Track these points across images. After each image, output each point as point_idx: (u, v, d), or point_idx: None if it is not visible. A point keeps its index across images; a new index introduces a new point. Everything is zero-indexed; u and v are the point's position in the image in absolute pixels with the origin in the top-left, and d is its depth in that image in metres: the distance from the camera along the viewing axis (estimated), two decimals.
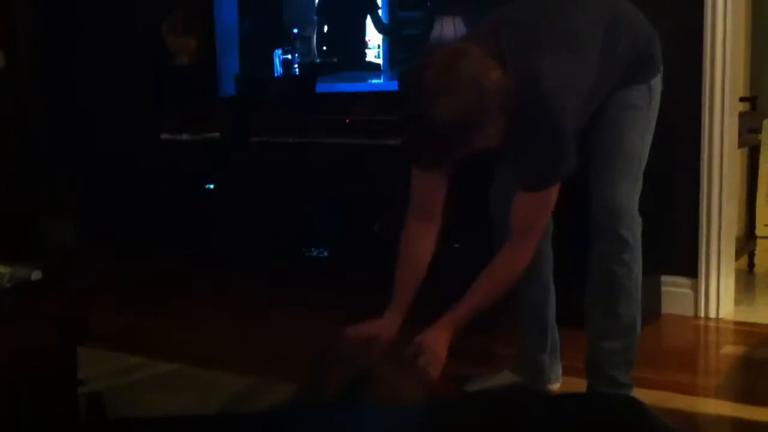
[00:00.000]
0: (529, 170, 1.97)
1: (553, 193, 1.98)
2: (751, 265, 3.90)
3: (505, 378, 2.44)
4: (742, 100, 3.71)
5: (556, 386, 2.44)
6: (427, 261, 2.10)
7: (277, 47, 3.61)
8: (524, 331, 2.40)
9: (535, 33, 1.97)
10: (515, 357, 2.45)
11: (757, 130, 3.94)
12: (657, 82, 2.18)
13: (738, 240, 3.60)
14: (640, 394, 2.24)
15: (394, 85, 3.29)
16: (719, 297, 3.17)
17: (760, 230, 4.16)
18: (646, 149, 2.16)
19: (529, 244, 2.01)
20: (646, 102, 2.14)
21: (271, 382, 2.47)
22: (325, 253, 3.34)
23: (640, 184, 2.16)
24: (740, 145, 3.47)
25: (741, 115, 3.41)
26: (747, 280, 3.77)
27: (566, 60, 1.93)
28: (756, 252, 3.94)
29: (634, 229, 2.14)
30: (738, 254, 3.52)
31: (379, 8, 3.40)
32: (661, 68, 2.20)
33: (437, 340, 1.93)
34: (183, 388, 2.56)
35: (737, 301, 3.30)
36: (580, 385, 2.30)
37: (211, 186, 3.60)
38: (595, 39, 2.01)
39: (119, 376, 2.63)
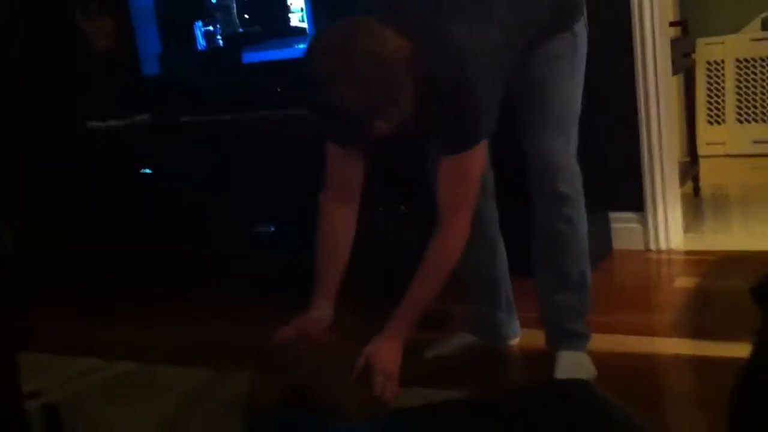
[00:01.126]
0: (447, 133, 1.88)
1: (477, 157, 1.90)
2: (696, 188, 3.93)
3: (461, 339, 2.43)
4: (672, 24, 3.70)
5: (514, 342, 2.43)
6: (350, 244, 2.02)
7: (197, 20, 3.48)
8: (476, 292, 2.38)
9: None
10: (470, 317, 2.43)
11: (689, 54, 3.92)
12: (581, 27, 2.10)
13: (682, 165, 3.62)
14: (597, 339, 2.26)
15: None
16: (667, 228, 3.19)
17: (702, 149, 4.20)
18: (576, 99, 2.10)
19: (461, 221, 1.91)
20: (571, 50, 2.07)
21: (226, 374, 2.43)
22: (272, 228, 3.28)
23: (575, 135, 2.11)
24: (675, 71, 3.47)
25: (673, 41, 3.40)
26: (694, 205, 3.81)
27: (471, 17, 1.85)
28: (700, 174, 3.97)
29: (573, 182, 2.10)
30: (683, 179, 3.54)
31: None
32: (584, 11, 2.13)
33: (387, 357, 1.85)
34: (139, 389, 2.51)
35: (686, 229, 3.33)
36: (538, 337, 2.30)
37: (148, 171, 3.49)
38: None
39: (73, 383, 2.57)
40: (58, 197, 3.84)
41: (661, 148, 3.17)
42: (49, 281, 3.53)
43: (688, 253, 3.13)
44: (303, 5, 3.28)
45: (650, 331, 2.44)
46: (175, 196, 3.43)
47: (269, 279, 3.18)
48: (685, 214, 3.39)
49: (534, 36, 2.01)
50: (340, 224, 2.03)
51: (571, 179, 2.09)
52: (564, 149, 2.08)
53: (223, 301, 3.15)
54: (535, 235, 2.17)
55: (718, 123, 4.74)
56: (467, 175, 1.91)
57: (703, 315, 2.54)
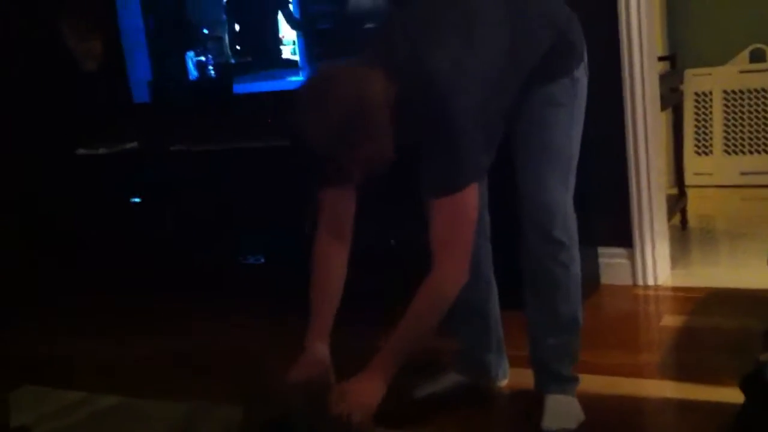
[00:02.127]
0: (435, 175, 1.88)
1: (468, 199, 1.88)
2: (684, 221, 3.95)
3: (451, 380, 2.42)
4: (661, 59, 3.73)
5: (503, 383, 2.43)
6: (342, 281, 2.03)
7: (189, 49, 3.49)
8: (466, 332, 2.38)
9: (421, 32, 1.90)
10: (459, 357, 2.43)
11: (677, 89, 3.96)
12: (581, 73, 2.10)
13: (669, 197, 3.64)
14: (585, 381, 2.26)
15: None
16: (655, 264, 3.20)
17: (689, 179, 4.23)
18: (574, 147, 2.10)
19: (456, 264, 1.89)
20: (571, 97, 2.07)
21: (213, 405, 2.43)
22: (261, 260, 3.28)
23: (572, 181, 2.11)
24: (663, 107, 3.49)
25: (661, 77, 3.42)
26: (682, 238, 3.82)
27: (462, 56, 1.85)
28: (687, 207, 3.99)
29: (569, 228, 2.10)
30: (671, 212, 3.56)
31: (289, 3, 3.30)
32: (585, 57, 2.12)
33: (364, 396, 1.85)
34: (126, 422, 2.50)
35: (674, 264, 3.34)
36: (527, 377, 2.30)
37: (137, 200, 3.49)
38: (494, 28, 1.93)
39: (60, 417, 2.55)
40: (45, 221, 3.83)
41: (649, 184, 3.18)
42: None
43: (675, 289, 3.15)
44: (295, 38, 3.29)
45: (637, 373, 2.45)
46: (162, 225, 3.42)
47: (257, 310, 3.19)
48: (673, 249, 3.40)
49: (531, 78, 2.01)
50: (333, 261, 2.04)
51: (567, 225, 2.10)
52: (561, 196, 2.08)
53: (208, 330, 3.14)
54: (528, 278, 2.17)
55: (706, 154, 4.77)
56: (458, 216, 1.90)
57: (690, 356, 2.54)
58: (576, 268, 2.16)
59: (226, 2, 3.43)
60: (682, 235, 3.87)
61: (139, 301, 3.43)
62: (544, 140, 2.07)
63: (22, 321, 3.38)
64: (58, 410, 2.58)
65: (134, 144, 3.60)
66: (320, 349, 1.96)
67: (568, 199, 2.11)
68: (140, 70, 3.63)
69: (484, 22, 1.93)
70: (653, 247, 3.19)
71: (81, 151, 3.60)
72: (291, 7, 3.31)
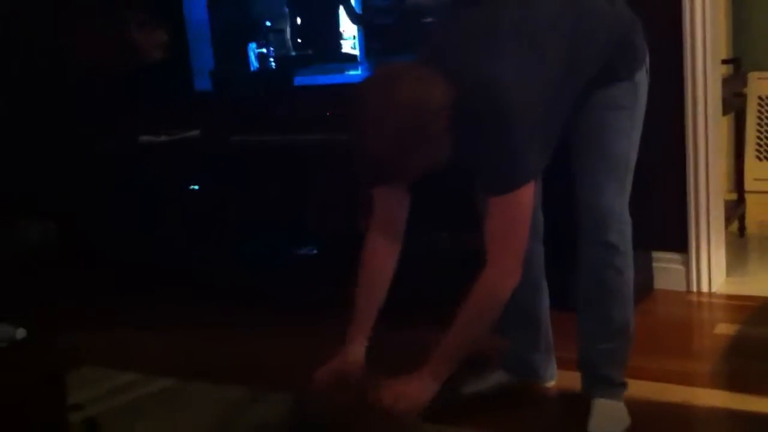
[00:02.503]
0: (491, 174, 1.89)
1: (524, 199, 1.88)
2: (742, 228, 3.89)
3: (499, 378, 2.43)
4: (724, 62, 3.67)
5: (550, 384, 2.43)
6: (389, 282, 2.05)
7: (251, 41, 3.54)
8: (516, 332, 2.38)
9: (482, 33, 1.90)
10: (508, 356, 2.44)
11: (741, 93, 3.89)
12: (642, 77, 2.09)
13: (728, 204, 3.59)
14: (633, 386, 2.25)
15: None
16: (710, 270, 3.17)
17: (749, 185, 4.15)
18: (633, 151, 2.09)
19: (508, 262, 1.90)
20: (631, 100, 2.06)
21: (268, 393, 2.48)
22: (315, 251, 3.32)
23: (628, 186, 2.10)
24: (725, 111, 3.44)
25: (724, 80, 3.37)
26: (739, 246, 3.77)
27: (520, 56, 1.86)
28: (746, 213, 3.92)
29: (624, 233, 2.10)
30: (729, 218, 3.51)
31: None
32: (647, 60, 2.11)
33: (414, 392, 1.87)
34: (179, 405, 2.57)
35: (730, 271, 3.30)
36: (575, 380, 2.30)
37: (196, 187, 3.56)
38: (555, 33, 1.92)
39: (115, 397, 2.63)
40: (105, 206, 3.92)
41: (708, 190, 3.14)
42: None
43: (730, 297, 3.11)
44: (355, 33, 3.32)
45: (687, 380, 2.42)
46: (221, 214, 3.49)
47: (310, 301, 3.23)
48: (729, 255, 3.35)
49: (590, 80, 2.00)
50: (382, 262, 2.06)
51: (623, 230, 2.09)
52: (618, 200, 2.07)
53: (263, 320, 3.19)
54: (581, 282, 2.17)
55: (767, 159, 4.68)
56: (513, 216, 1.90)
57: (742, 365, 2.52)
58: (630, 273, 2.15)
59: None
60: (739, 241, 3.81)
61: (191, 290, 3.49)
62: (602, 144, 2.06)
63: (76, 311, 3.46)
64: (111, 390, 2.66)
65: (195, 132, 3.66)
66: (357, 350, 2.00)
67: (624, 203, 2.10)
68: (203, 60, 3.69)
69: (546, 26, 1.93)
70: (709, 253, 3.16)
71: (144, 137, 3.68)
72: (352, 1, 3.34)
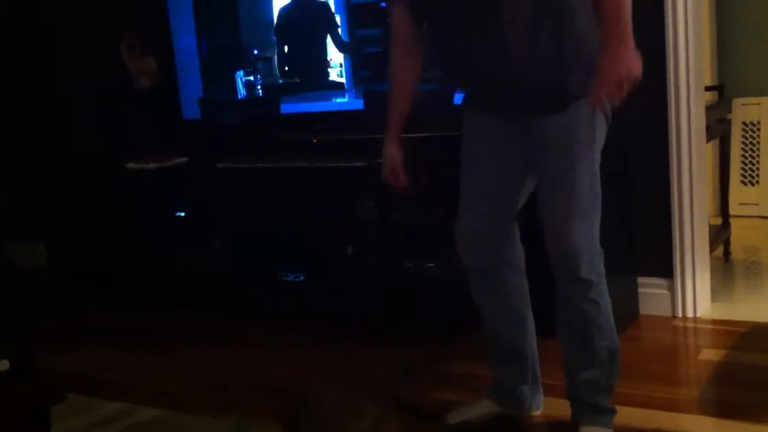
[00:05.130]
0: None
1: None
2: (727, 253, 3.91)
3: (485, 407, 2.43)
4: (708, 89, 3.71)
5: (537, 413, 2.43)
6: (413, 93, 2.27)
7: (239, 69, 3.56)
8: (502, 363, 2.38)
9: None
10: (494, 386, 2.44)
11: (725, 119, 3.92)
12: (583, 107, 2.03)
13: (713, 228, 3.61)
14: (620, 411, 2.26)
15: (359, 104, 3.26)
16: (696, 296, 3.18)
17: (734, 209, 4.19)
18: (594, 182, 2.08)
19: None
20: (583, 132, 2.04)
21: (254, 421, 2.48)
22: (301, 278, 3.32)
23: (595, 217, 2.10)
24: (709, 137, 3.46)
25: (708, 107, 3.40)
26: (724, 270, 3.79)
27: None
28: (731, 238, 3.95)
29: (595, 265, 2.11)
30: (714, 243, 3.53)
31: (338, 27, 3.35)
32: (586, 92, 2.02)
33: (632, 61, 1.92)
34: None
35: (715, 296, 3.31)
36: (562, 407, 2.30)
37: (182, 214, 3.56)
38: None
39: (98, 429, 2.61)
40: (94, 228, 3.93)
41: (692, 215, 3.17)
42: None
43: (715, 322, 3.12)
44: (342, 61, 3.34)
45: (674, 407, 2.43)
46: (207, 241, 3.49)
47: (298, 327, 3.23)
48: (715, 280, 3.37)
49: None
50: (406, 76, 2.27)
51: (593, 262, 2.10)
52: (584, 235, 2.07)
53: (249, 344, 3.18)
54: (560, 314, 2.19)
55: (752, 184, 4.72)
56: None
57: (728, 392, 2.52)
58: (605, 301, 2.16)
59: (277, 25, 3.50)
60: (724, 266, 3.83)
61: (179, 316, 3.48)
62: (560, 182, 2.08)
63: (64, 335, 3.45)
64: (99, 421, 2.65)
65: (183, 159, 3.67)
66: (393, 149, 2.28)
67: (592, 236, 2.10)
68: (191, 88, 3.71)
69: None
70: (694, 279, 3.17)
71: (131, 165, 3.69)
72: (339, 30, 3.37)
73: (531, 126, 2.08)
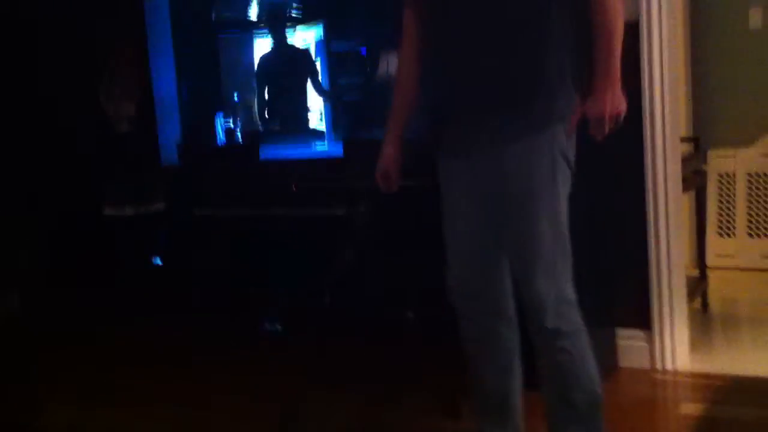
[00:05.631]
0: None
1: None
2: (705, 304, 3.91)
3: None
4: (684, 140, 3.74)
5: None
6: (415, 97, 2.27)
7: (218, 115, 3.56)
8: (486, 414, 2.32)
9: None
10: None
11: (701, 171, 3.96)
12: (560, 130, 2.04)
13: (690, 279, 3.61)
14: None
15: (339, 150, 3.26)
16: (674, 347, 3.16)
17: (711, 261, 4.19)
18: (558, 229, 2.05)
19: None
20: (549, 164, 2.02)
21: None
22: (278, 327, 3.28)
23: (563, 267, 2.06)
24: (685, 188, 3.48)
25: (684, 159, 3.43)
26: (703, 321, 3.78)
27: None
28: (708, 289, 3.95)
29: (565, 315, 2.06)
30: (691, 294, 3.53)
31: (318, 74, 3.37)
32: (556, 116, 2.04)
33: (615, 99, 1.97)
34: None
35: (694, 348, 3.29)
36: None
37: (159, 261, 3.52)
38: None
39: None
40: (67, 273, 3.88)
41: (669, 266, 3.16)
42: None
43: (694, 375, 3.10)
44: (322, 108, 3.35)
45: None
46: (183, 288, 3.45)
47: (274, 378, 3.17)
48: (693, 332, 3.36)
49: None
50: (411, 77, 2.27)
51: (561, 313, 2.06)
52: (547, 283, 2.04)
53: (225, 395, 3.13)
54: (538, 366, 2.16)
55: (729, 236, 4.75)
56: None
57: None
58: (580, 351, 2.10)
59: (257, 71, 3.51)
60: (703, 318, 3.83)
61: (154, 366, 3.41)
62: (521, 232, 2.05)
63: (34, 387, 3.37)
64: None
65: (160, 205, 3.64)
66: (391, 150, 2.27)
67: (560, 283, 2.06)
68: (170, 133, 3.70)
69: None
70: (672, 330, 3.16)
71: (108, 211, 3.65)
72: (320, 77, 3.38)
73: (495, 162, 2.05)
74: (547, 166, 2.03)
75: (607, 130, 2.00)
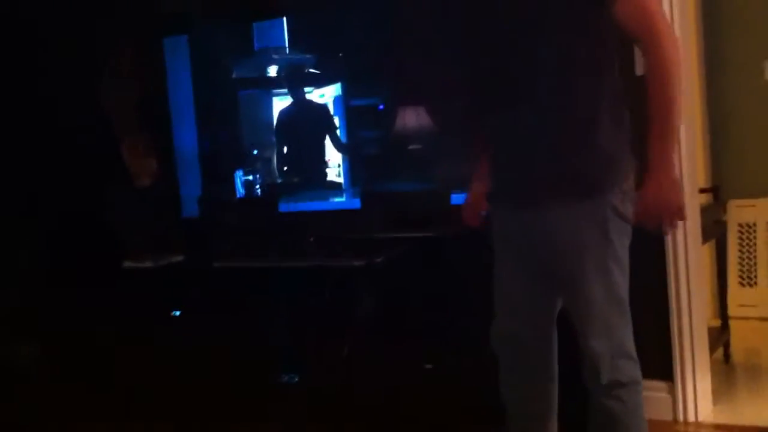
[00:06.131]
0: None
1: None
2: (727, 355, 3.87)
3: None
4: (702, 191, 3.74)
5: None
6: None
7: (238, 168, 3.61)
8: None
9: None
10: None
11: (720, 221, 3.95)
12: (600, 210, 1.99)
13: (712, 330, 3.58)
14: None
15: (356, 203, 3.28)
16: (697, 399, 3.13)
17: (733, 311, 4.15)
18: (615, 286, 2.04)
19: (664, 33, 1.92)
20: (594, 236, 1.99)
21: None
22: (295, 379, 3.28)
23: (619, 323, 2.05)
24: (705, 239, 3.47)
25: (703, 209, 3.43)
26: (725, 372, 3.73)
27: None
28: (731, 340, 3.91)
29: (623, 368, 2.04)
30: (713, 345, 3.49)
31: (337, 128, 3.42)
32: (609, 198, 2.00)
33: (670, 190, 1.92)
34: None
35: (716, 399, 3.25)
36: None
37: (177, 313, 3.54)
38: None
39: None
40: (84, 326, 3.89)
41: (690, 318, 3.14)
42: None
43: (717, 427, 3.06)
44: (341, 161, 3.38)
45: None
46: (202, 340, 3.46)
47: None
48: (716, 383, 3.32)
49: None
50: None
51: (618, 366, 2.03)
52: (603, 344, 2.02)
53: None
54: (589, 415, 2.12)
55: (750, 285, 4.71)
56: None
57: None
58: (634, 405, 2.07)
59: (277, 125, 3.57)
60: (725, 368, 3.78)
61: (170, 417, 3.41)
62: (576, 289, 2.04)
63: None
64: None
65: (179, 257, 3.67)
66: (477, 186, 2.33)
67: (616, 342, 2.04)
68: (191, 186, 3.75)
69: None
70: (695, 382, 3.12)
71: (128, 263, 3.69)
72: (338, 131, 3.43)
73: (544, 222, 2.02)
74: (598, 227, 2.00)
75: (662, 223, 1.98)
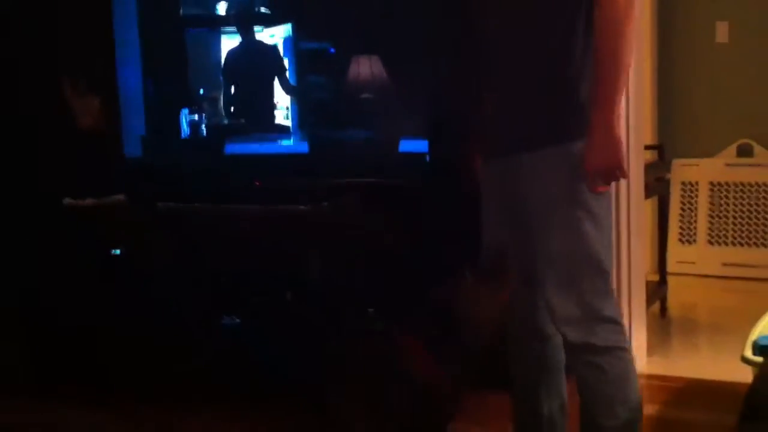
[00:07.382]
0: None
1: None
2: (663, 309, 3.96)
3: None
4: (648, 148, 3.79)
5: None
6: None
7: (184, 108, 3.53)
8: None
9: None
10: None
11: (663, 178, 4.01)
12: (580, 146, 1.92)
13: (650, 284, 3.65)
14: None
15: (304, 147, 3.25)
16: (632, 350, 3.18)
17: (672, 267, 4.24)
18: (584, 241, 1.93)
19: None
20: (566, 176, 1.92)
21: None
22: (237, 321, 3.26)
23: (593, 282, 1.96)
24: (648, 195, 3.53)
25: (648, 165, 3.47)
26: (661, 326, 3.83)
27: None
28: (668, 295, 4.00)
29: (599, 332, 1.95)
30: (651, 299, 3.57)
31: (286, 70, 3.36)
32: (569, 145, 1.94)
33: (609, 146, 1.86)
34: None
35: (651, 351, 3.34)
36: None
37: (117, 252, 3.48)
38: None
39: None
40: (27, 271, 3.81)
41: (630, 271, 3.20)
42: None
43: (651, 377, 3.13)
44: (289, 104, 3.34)
45: None
46: (143, 280, 3.41)
47: (234, 372, 3.14)
48: (651, 336, 3.40)
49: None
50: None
51: (593, 329, 1.95)
52: (568, 301, 1.95)
53: (183, 394, 3.09)
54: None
55: (690, 243, 4.81)
56: None
57: None
58: (618, 372, 1.98)
59: (224, 66, 3.49)
60: (661, 322, 3.88)
61: (113, 357, 3.37)
62: (533, 241, 2.00)
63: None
64: None
65: (120, 197, 3.60)
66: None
67: (587, 301, 1.95)
68: (134, 126, 3.66)
69: None
70: (630, 333, 3.18)
71: (67, 200, 3.60)
72: (287, 74, 3.37)
73: (516, 166, 1.98)
74: (565, 174, 1.93)
75: (608, 183, 1.93)
